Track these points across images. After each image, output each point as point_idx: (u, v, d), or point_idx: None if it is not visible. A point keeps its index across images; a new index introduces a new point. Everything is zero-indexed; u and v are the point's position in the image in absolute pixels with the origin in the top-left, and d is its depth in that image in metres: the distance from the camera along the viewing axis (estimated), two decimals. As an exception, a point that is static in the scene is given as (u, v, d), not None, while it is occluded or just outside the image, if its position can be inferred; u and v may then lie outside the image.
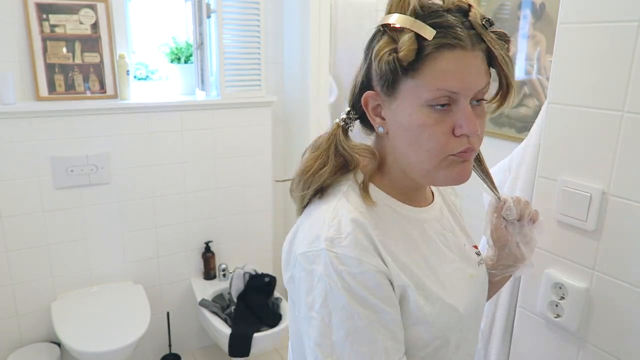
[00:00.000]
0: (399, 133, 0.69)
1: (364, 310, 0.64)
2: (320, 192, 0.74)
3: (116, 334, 1.91)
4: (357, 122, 0.77)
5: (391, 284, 0.68)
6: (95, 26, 2.08)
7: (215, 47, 2.28)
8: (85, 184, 2.13)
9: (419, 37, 0.63)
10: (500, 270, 0.88)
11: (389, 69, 0.65)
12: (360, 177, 0.73)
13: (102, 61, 2.12)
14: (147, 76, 2.54)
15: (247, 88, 2.40)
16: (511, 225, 0.87)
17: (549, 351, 1.00)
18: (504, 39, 0.66)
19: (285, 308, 2.32)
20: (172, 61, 2.43)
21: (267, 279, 2.43)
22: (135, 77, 2.42)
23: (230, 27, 2.28)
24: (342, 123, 0.75)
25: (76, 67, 2.08)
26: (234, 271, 2.43)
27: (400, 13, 0.64)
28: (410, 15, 0.63)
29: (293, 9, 2.43)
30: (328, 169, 0.72)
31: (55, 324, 1.98)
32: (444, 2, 0.65)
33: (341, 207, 0.69)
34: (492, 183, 0.85)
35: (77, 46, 2.07)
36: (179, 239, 2.42)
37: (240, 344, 2.09)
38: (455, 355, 0.75)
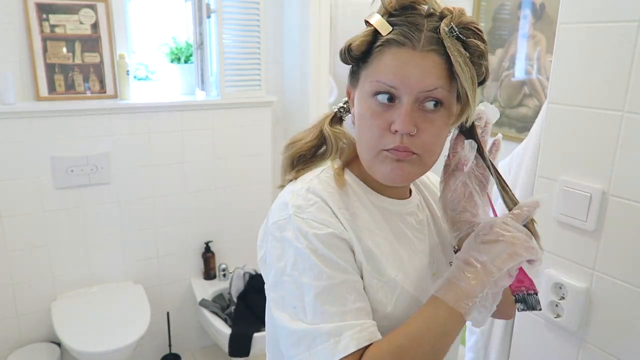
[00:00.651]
0: (356, 123, 0.73)
1: (331, 271, 0.65)
2: (296, 173, 0.77)
3: (116, 334, 1.91)
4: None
5: (353, 253, 0.69)
6: (95, 26, 2.08)
7: (215, 47, 2.28)
8: (85, 184, 2.13)
9: (376, 32, 0.67)
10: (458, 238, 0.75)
11: (341, 57, 0.71)
12: (338, 162, 0.77)
13: (102, 61, 2.12)
14: (147, 76, 2.54)
15: (247, 88, 2.40)
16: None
17: (549, 351, 1.00)
18: (473, 49, 0.65)
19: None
20: (172, 61, 2.43)
21: (267, 279, 2.43)
22: (135, 77, 2.42)
23: (230, 27, 2.28)
24: (336, 110, 0.81)
25: (76, 67, 2.08)
26: (234, 271, 2.43)
27: (385, 6, 0.68)
28: (386, 12, 0.68)
29: (293, 9, 2.43)
30: (303, 142, 0.78)
31: (55, 324, 1.98)
32: (432, 6, 0.67)
33: (311, 184, 0.72)
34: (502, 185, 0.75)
35: (77, 46, 2.07)
36: (179, 239, 2.42)
37: (240, 344, 2.09)
38: None
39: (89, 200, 2.16)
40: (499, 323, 1.25)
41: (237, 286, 2.38)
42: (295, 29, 2.43)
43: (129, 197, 2.25)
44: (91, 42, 2.09)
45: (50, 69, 2.04)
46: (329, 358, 0.62)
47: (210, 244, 2.48)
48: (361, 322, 0.64)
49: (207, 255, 2.47)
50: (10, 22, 1.95)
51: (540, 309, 0.70)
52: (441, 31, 0.64)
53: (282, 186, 0.79)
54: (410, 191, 0.83)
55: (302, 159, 0.78)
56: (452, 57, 0.64)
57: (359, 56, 0.69)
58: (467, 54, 0.64)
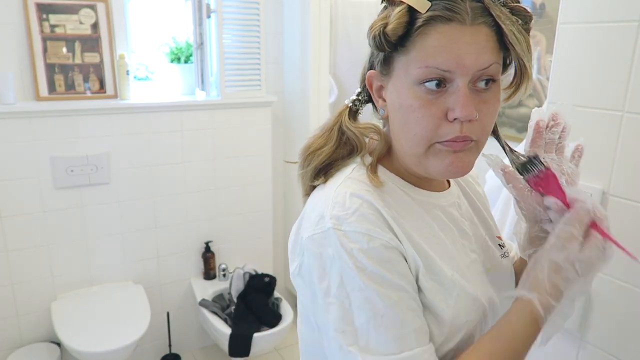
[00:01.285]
0: (393, 115, 0.64)
1: (382, 289, 0.58)
2: (325, 175, 0.69)
3: (116, 334, 1.91)
4: (370, 105, 0.73)
5: (406, 261, 0.62)
6: (95, 26, 2.08)
7: (215, 47, 2.28)
8: (85, 184, 2.13)
9: (411, 10, 0.58)
10: (534, 246, 0.69)
11: (376, 44, 0.62)
12: (368, 159, 0.69)
13: (102, 61, 2.12)
14: (147, 76, 2.54)
15: (247, 88, 2.40)
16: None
17: (548, 351, 1.00)
18: (522, 15, 0.59)
19: (286, 308, 2.32)
20: (172, 61, 2.43)
21: (267, 279, 2.43)
22: (135, 77, 2.42)
23: (230, 27, 2.28)
24: (350, 104, 0.73)
25: (76, 67, 2.08)
26: (234, 271, 2.43)
27: None
28: None
29: (293, 9, 2.43)
30: (327, 148, 0.69)
31: (55, 324, 1.98)
32: None
33: (345, 186, 0.64)
34: (507, 146, 0.73)
35: (77, 46, 2.07)
36: (179, 239, 2.42)
37: (240, 344, 2.09)
38: None
39: (89, 200, 2.16)
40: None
41: (237, 286, 2.38)
42: (295, 29, 2.43)
43: (129, 197, 2.25)
44: (91, 42, 2.09)
45: (50, 69, 2.04)
46: None
47: (210, 244, 2.48)
48: (422, 351, 0.58)
49: (207, 255, 2.47)
50: (10, 22, 1.95)
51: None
52: (485, 0, 0.57)
53: (308, 194, 0.72)
54: (449, 181, 0.76)
55: (327, 168, 0.70)
56: (504, 28, 0.57)
57: (396, 41, 0.60)
58: (519, 20, 0.58)
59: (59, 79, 2.06)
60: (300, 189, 0.75)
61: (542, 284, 0.60)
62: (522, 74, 0.61)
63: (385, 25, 0.60)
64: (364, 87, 0.72)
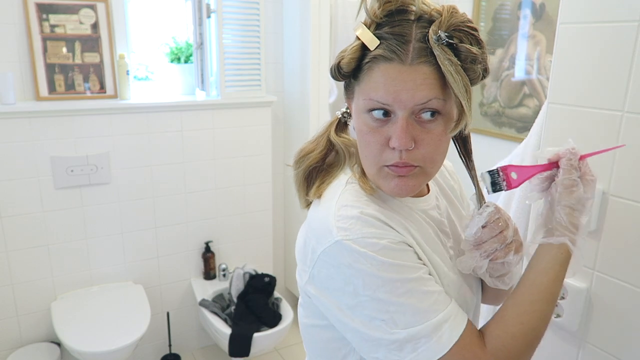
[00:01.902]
0: (357, 137, 0.72)
1: (402, 275, 0.65)
2: (317, 188, 0.76)
3: (116, 334, 1.91)
4: None
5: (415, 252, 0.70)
6: (95, 26, 2.09)
7: (215, 47, 2.28)
8: (85, 184, 2.13)
9: (364, 46, 0.66)
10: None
11: (331, 74, 0.71)
12: (357, 170, 0.75)
13: (102, 61, 2.12)
14: (147, 76, 2.54)
15: (247, 88, 2.40)
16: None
17: (549, 351, 1.00)
18: (464, 54, 0.63)
19: (286, 308, 2.32)
20: (172, 61, 2.43)
21: (267, 279, 2.43)
22: (135, 77, 2.42)
23: (230, 27, 2.28)
24: (340, 116, 0.80)
25: (76, 67, 2.08)
26: (234, 271, 2.43)
27: (370, 17, 0.66)
28: (372, 21, 0.66)
29: (293, 9, 2.43)
30: (315, 154, 0.77)
31: (55, 324, 1.98)
32: (422, 8, 0.64)
33: (344, 199, 0.70)
34: (478, 189, 0.79)
35: (77, 46, 2.07)
36: (179, 239, 2.42)
37: (240, 344, 2.09)
38: None
39: (89, 200, 2.16)
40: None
41: (237, 286, 2.39)
42: (295, 29, 2.43)
43: (129, 197, 2.25)
44: (91, 42, 2.09)
45: (50, 69, 2.04)
46: (437, 354, 0.63)
47: (210, 244, 2.48)
48: (451, 308, 0.65)
49: (207, 255, 2.47)
50: (10, 22, 1.95)
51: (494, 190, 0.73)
52: (429, 40, 0.62)
53: (307, 206, 0.78)
54: (427, 185, 0.83)
55: (315, 171, 0.78)
56: (442, 68, 0.62)
57: (349, 73, 0.69)
58: (459, 62, 0.62)
59: (59, 79, 2.06)
60: (297, 194, 0.81)
61: (566, 226, 0.71)
62: (459, 111, 0.65)
63: (342, 59, 0.68)
64: None
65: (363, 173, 0.74)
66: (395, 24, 0.64)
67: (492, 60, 2.34)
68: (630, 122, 0.82)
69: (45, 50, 2.01)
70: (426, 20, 0.64)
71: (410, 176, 0.68)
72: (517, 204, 1.20)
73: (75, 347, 1.84)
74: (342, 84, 0.75)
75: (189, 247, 2.46)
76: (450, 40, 0.62)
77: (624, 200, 0.85)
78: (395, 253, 0.66)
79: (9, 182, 1.99)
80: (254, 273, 2.45)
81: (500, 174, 0.72)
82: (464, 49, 0.63)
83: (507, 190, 0.73)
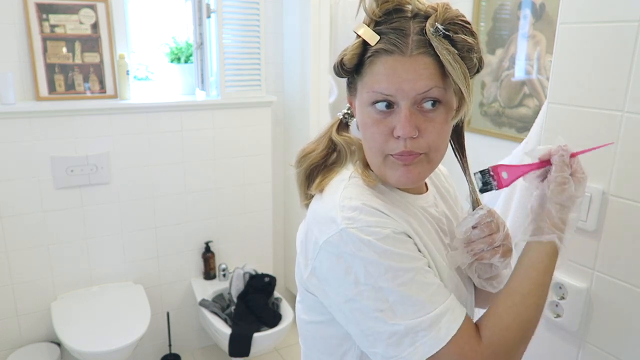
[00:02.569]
0: (360, 129, 0.75)
1: (403, 264, 0.66)
2: (319, 184, 0.78)
3: (116, 334, 1.91)
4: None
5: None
6: (95, 26, 2.09)
7: (215, 47, 2.28)
8: (85, 184, 2.13)
9: (365, 43, 0.69)
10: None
11: (335, 71, 0.74)
12: (360, 165, 0.78)
13: (102, 61, 2.12)
14: (147, 76, 2.54)
15: (247, 88, 2.40)
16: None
17: (549, 351, 1.00)
18: (460, 45, 0.66)
19: (286, 308, 2.32)
20: (172, 61, 2.43)
21: (267, 279, 2.43)
22: (135, 77, 2.42)
23: (230, 27, 2.28)
24: (342, 117, 0.82)
25: (76, 67, 2.08)
26: (234, 271, 2.43)
27: (369, 16, 0.69)
28: (372, 20, 0.69)
29: (293, 9, 2.43)
30: (316, 153, 0.80)
31: (55, 324, 1.98)
32: (417, 6, 0.68)
33: (347, 192, 0.72)
34: (473, 190, 0.82)
35: (77, 46, 2.07)
36: (179, 239, 2.42)
37: (240, 344, 2.09)
38: None
39: (89, 200, 2.16)
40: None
41: (237, 286, 2.39)
42: (295, 29, 2.43)
43: (129, 197, 2.25)
44: (91, 42, 2.09)
45: (50, 69, 2.04)
46: (435, 347, 0.64)
47: (210, 244, 2.48)
48: (450, 301, 0.67)
49: (207, 255, 2.47)
50: (10, 22, 1.95)
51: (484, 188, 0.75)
52: (427, 32, 0.65)
53: (307, 203, 0.80)
54: (426, 184, 0.85)
55: (316, 169, 0.80)
56: (441, 57, 0.65)
57: (352, 69, 0.72)
58: (456, 51, 0.65)
59: (59, 79, 2.06)
60: (297, 192, 0.83)
61: (556, 223, 0.72)
62: (459, 98, 0.69)
63: (345, 56, 0.71)
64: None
65: (365, 168, 0.77)
66: (393, 21, 0.68)
67: (492, 60, 2.34)
68: (630, 122, 0.82)
69: (45, 50, 2.01)
70: (422, 16, 0.67)
71: (415, 164, 0.70)
72: (517, 205, 1.20)
73: (75, 347, 1.84)
74: (342, 84, 0.76)
75: (189, 247, 2.46)
76: (446, 32, 0.65)
77: (624, 200, 0.85)
78: (398, 242, 0.67)
79: (9, 182, 1.99)
80: (254, 273, 2.45)
81: (491, 173, 0.74)
82: (460, 39, 0.66)
83: (497, 189, 0.74)
